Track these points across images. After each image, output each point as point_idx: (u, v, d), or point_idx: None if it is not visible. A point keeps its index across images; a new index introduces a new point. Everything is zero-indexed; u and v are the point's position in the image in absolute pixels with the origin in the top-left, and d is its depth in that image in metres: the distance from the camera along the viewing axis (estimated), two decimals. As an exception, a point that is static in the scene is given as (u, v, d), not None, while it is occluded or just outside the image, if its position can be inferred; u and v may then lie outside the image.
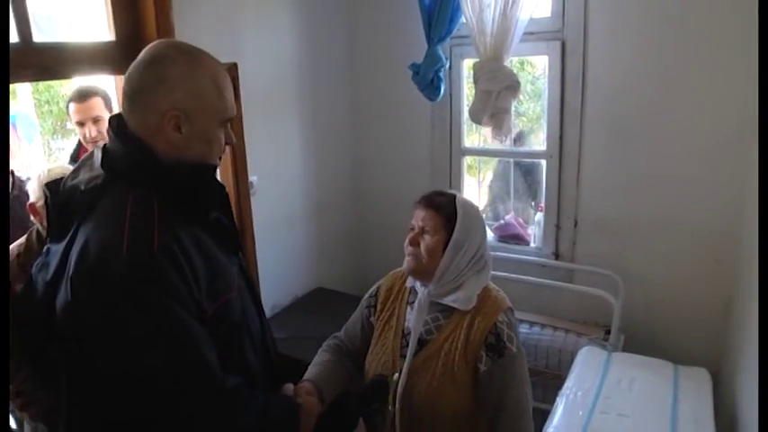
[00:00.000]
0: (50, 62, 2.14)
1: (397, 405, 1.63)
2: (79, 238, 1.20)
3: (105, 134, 2.36)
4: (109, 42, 2.34)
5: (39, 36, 2.12)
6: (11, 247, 1.90)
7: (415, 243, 1.64)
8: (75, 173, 1.32)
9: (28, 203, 2.00)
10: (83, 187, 1.27)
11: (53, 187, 1.32)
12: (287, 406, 1.40)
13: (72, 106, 2.63)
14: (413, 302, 1.70)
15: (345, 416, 1.51)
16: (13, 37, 2.04)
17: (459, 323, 1.62)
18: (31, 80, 2.17)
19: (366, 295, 1.87)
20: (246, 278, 1.48)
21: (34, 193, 1.98)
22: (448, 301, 1.63)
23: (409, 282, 1.74)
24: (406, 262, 1.66)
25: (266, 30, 2.91)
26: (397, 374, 1.64)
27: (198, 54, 1.29)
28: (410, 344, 1.64)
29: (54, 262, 1.24)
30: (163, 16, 2.37)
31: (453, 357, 1.59)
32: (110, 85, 2.76)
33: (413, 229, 1.66)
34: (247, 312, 1.41)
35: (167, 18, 2.38)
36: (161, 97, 1.22)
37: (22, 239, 1.99)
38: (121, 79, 2.44)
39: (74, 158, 2.83)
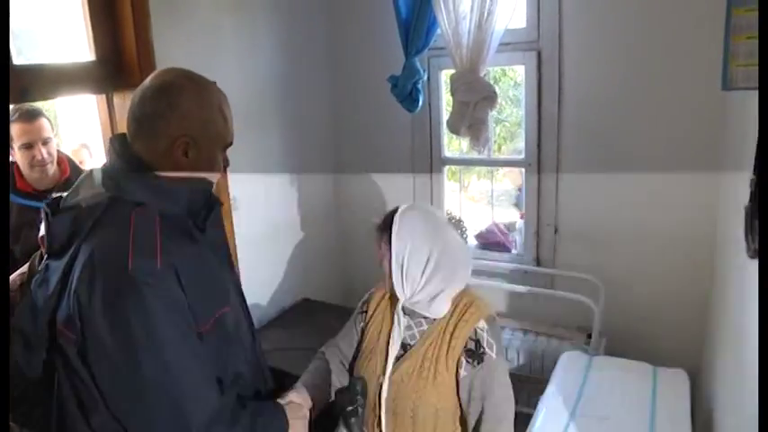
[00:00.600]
0: (31, 84, 2.14)
1: (382, 408, 1.68)
2: (82, 254, 1.24)
3: (54, 156, 2.42)
4: (89, 62, 2.35)
5: (18, 59, 2.14)
6: (12, 276, 1.78)
7: (381, 263, 1.71)
8: (74, 191, 1.37)
9: (39, 236, 1.85)
10: (84, 205, 1.32)
11: (53, 205, 1.37)
12: (271, 408, 1.46)
13: (17, 127, 2.39)
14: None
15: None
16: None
17: (442, 329, 1.67)
18: (12, 103, 2.19)
19: (360, 302, 1.91)
20: (240, 292, 1.54)
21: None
22: (420, 309, 1.67)
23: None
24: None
25: (245, 45, 2.94)
26: (381, 379, 1.68)
27: (206, 83, 1.37)
28: (390, 349, 1.69)
29: (54, 278, 1.28)
30: (142, 36, 2.40)
31: (435, 363, 1.64)
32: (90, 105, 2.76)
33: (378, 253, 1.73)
34: (240, 326, 1.45)
35: (146, 37, 2.40)
36: (173, 124, 1.29)
37: (24, 268, 1.85)
38: (103, 99, 2.49)
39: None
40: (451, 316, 1.68)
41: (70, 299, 1.21)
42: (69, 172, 2.53)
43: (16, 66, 2.11)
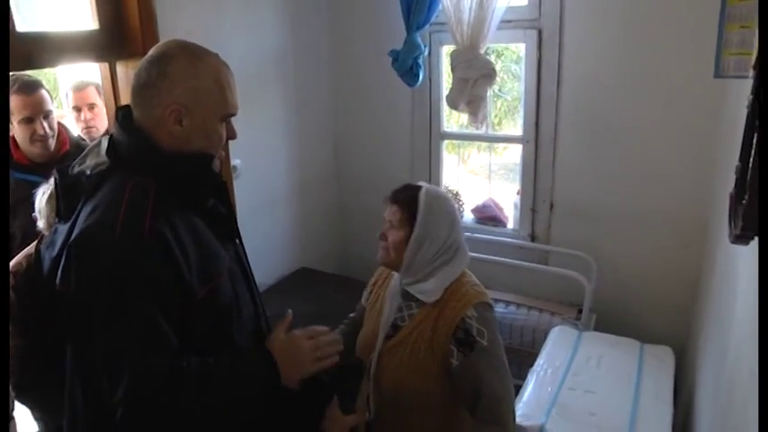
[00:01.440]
0: (35, 51, 2.16)
1: (370, 384, 1.72)
2: (81, 218, 1.29)
3: (55, 130, 2.41)
4: (92, 31, 2.36)
5: (22, 26, 2.15)
6: (18, 258, 1.68)
7: (383, 237, 1.70)
8: (82, 159, 1.41)
9: (34, 213, 1.71)
10: (88, 172, 1.37)
11: (63, 171, 1.41)
12: (256, 359, 1.40)
13: (17, 99, 2.33)
14: None
15: (319, 392, 1.56)
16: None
17: (429, 314, 1.66)
18: (16, 70, 2.20)
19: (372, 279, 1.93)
20: (242, 263, 1.55)
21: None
22: (415, 291, 1.67)
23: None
24: (378, 254, 1.73)
25: (249, 16, 2.94)
26: (373, 355, 1.72)
27: (201, 53, 1.37)
28: (381, 327, 1.72)
29: (60, 239, 1.33)
30: (145, 5, 2.41)
31: (420, 348, 1.64)
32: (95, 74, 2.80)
33: (384, 223, 1.72)
34: (240, 296, 1.48)
35: (150, 6, 2.42)
36: (164, 92, 1.31)
37: (30, 248, 1.74)
38: (106, 67, 2.51)
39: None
40: (441, 301, 1.66)
41: (63, 256, 1.26)
42: (69, 145, 2.48)
43: (20, 33, 2.12)
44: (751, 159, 1.12)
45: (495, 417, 1.55)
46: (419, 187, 1.70)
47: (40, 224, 1.67)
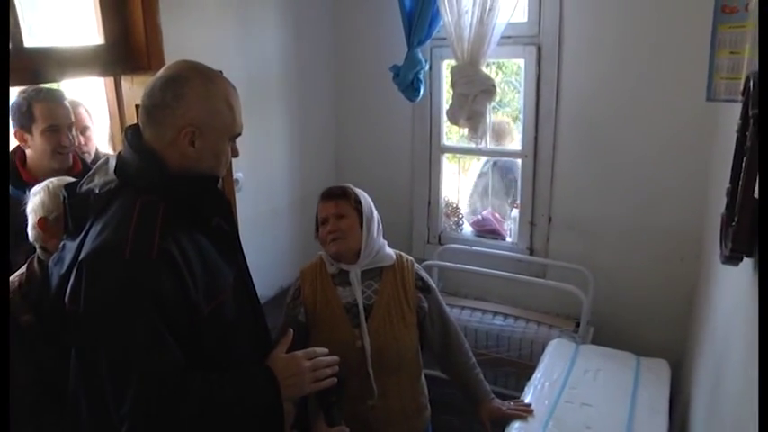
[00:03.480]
0: (42, 66, 2.19)
1: (369, 367, 1.91)
2: (90, 236, 1.32)
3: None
4: (98, 46, 2.40)
5: (29, 41, 2.19)
6: (11, 278, 1.69)
7: (335, 229, 1.95)
8: (90, 177, 1.44)
9: (38, 218, 1.69)
10: (97, 191, 1.39)
11: (71, 189, 1.45)
12: (245, 374, 1.43)
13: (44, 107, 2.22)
14: (340, 283, 2.00)
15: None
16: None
17: (392, 280, 2.01)
18: (22, 84, 2.23)
19: (288, 299, 2.09)
20: (244, 279, 1.58)
21: (44, 206, 1.70)
22: (377, 264, 2.01)
23: (332, 268, 2.01)
24: (332, 246, 1.97)
25: (252, 30, 2.98)
26: (359, 342, 1.93)
27: (213, 75, 1.41)
28: (360, 313, 1.95)
29: (68, 257, 1.36)
30: (150, 20, 2.44)
31: (401, 308, 1.99)
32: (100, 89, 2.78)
33: (325, 220, 1.97)
34: (243, 312, 1.51)
35: (155, 21, 2.45)
36: (179, 114, 1.34)
37: (23, 269, 1.76)
38: (111, 81, 2.54)
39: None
40: (395, 265, 2.03)
41: (74, 275, 1.28)
42: (81, 167, 2.33)
43: (27, 48, 2.16)
44: (740, 182, 1.16)
45: (462, 337, 2.14)
46: (344, 185, 2.06)
47: (30, 235, 1.69)
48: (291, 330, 1.60)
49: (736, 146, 1.29)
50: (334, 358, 1.56)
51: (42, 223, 1.66)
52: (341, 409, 1.69)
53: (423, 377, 2.17)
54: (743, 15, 1.33)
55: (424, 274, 2.11)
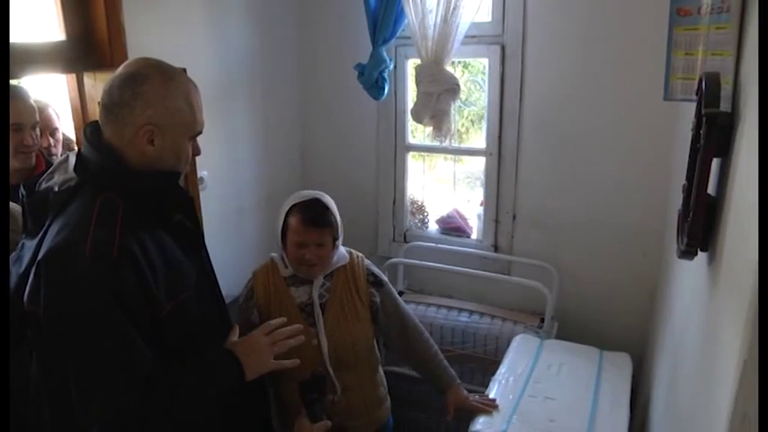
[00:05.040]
0: (-1, 62, 2.17)
1: (327, 364, 1.95)
2: (49, 235, 1.31)
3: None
4: (60, 42, 2.35)
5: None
6: None
7: (313, 257, 1.95)
8: (50, 175, 1.43)
9: None
10: (56, 188, 1.38)
11: (30, 187, 1.42)
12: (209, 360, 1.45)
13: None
14: (293, 284, 2.05)
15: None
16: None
17: (343, 278, 2.06)
18: (8, 69, 2.17)
19: (241, 301, 2.13)
20: (208, 276, 1.59)
21: None
22: (333, 267, 2.05)
23: (286, 272, 2.05)
24: (306, 269, 1.99)
25: (216, 28, 2.96)
26: (315, 340, 1.97)
27: (173, 73, 1.40)
28: (315, 313, 2.00)
29: (27, 256, 1.35)
30: (113, 16, 2.40)
31: (354, 304, 2.04)
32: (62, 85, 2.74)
33: (303, 245, 1.95)
34: (206, 309, 1.51)
35: (118, 17, 2.41)
36: (137, 112, 1.34)
37: None
38: (72, 78, 2.50)
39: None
40: (347, 265, 2.08)
41: (32, 274, 1.27)
42: (45, 166, 2.26)
43: (-15, 43, 2.12)
44: (695, 179, 1.20)
45: (422, 328, 2.20)
46: (323, 202, 2.04)
47: None
48: (236, 325, 1.63)
49: (692, 143, 1.33)
50: (295, 327, 1.61)
51: None
52: (323, 404, 1.73)
53: (380, 369, 2.25)
54: (696, 18, 1.37)
55: (375, 269, 2.17)
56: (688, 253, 1.23)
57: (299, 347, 1.73)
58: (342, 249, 2.11)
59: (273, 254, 2.16)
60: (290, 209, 2.03)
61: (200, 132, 1.48)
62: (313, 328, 1.98)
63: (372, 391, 2.17)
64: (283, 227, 2.05)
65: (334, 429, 1.93)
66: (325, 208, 2.01)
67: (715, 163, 1.18)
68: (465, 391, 2.17)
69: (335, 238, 2.02)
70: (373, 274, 2.13)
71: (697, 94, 1.29)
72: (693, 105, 1.38)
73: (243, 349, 1.47)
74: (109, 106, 1.36)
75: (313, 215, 1.97)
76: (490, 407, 2.12)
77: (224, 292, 3.13)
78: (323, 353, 1.97)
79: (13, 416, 1.44)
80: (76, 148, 2.62)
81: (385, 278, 2.18)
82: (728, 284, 1.08)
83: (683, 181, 1.40)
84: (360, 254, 2.17)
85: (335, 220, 2.02)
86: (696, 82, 1.34)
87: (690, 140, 1.36)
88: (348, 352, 2.02)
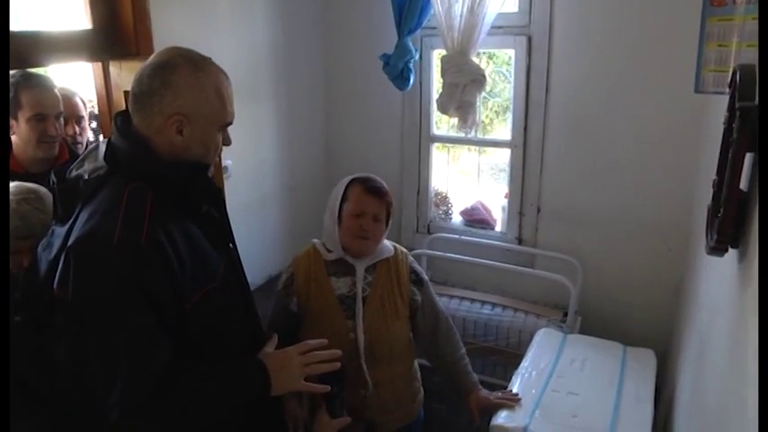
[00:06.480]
0: (28, 51, 2.16)
1: (362, 359, 1.91)
2: (78, 222, 1.31)
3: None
4: (86, 30, 2.37)
5: (15, 25, 2.16)
6: None
7: (370, 229, 1.91)
8: (80, 163, 1.43)
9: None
10: (86, 176, 1.39)
11: (60, 174, 1.43)
12: (237, 367, 1.44)
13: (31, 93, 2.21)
14: (334, 274, 1.96)
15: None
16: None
17: (386, 272, 2.01)
18: (8, 69, 2.20)
19: (280, 287, 2.05)
20: (235, 268, 1.58)
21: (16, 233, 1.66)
22: (379, 258, 2.00)
23: (331, 255, 1.98)
24: (358, 243, 1.93)
25: (241, 18, 2.97)
26: (352, 334, 1.93)
27: (204, 63, 1.39)
28: (357, 307, 1.95)
29: (57, 243, 1.35)
30: (139, 5, 2.41)
31: (394, 301, 1.99)
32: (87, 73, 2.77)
33: (362, 214, 1.90)
34: (233, 301, 1.51)
35: (143, 7, 2.42)
36: (166, 101, 1.33)
37: None
38: (98, 67, 2.52)
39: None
40: (391, 258, 2.03)
41: (62, 260, 1.28)
42: (69, 156, 2.31)
43: (14, 32, 2.13)
44: (726, 174, 1.17)
45: (453, 329, 2.14)
46: (379, 179, 2.02)
47: None
48: (276, 335, 1.60)
49: (723, 138, 1.30)
50: (333, 352, 1.55)
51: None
52: (342, 399, 1.70)
53: (415, 364, 2.19)
54: (730, 8, 1.33)
55: (418, 267, 2.11)
56: (718, 249, 1.21)
57: (334, 340, 1.73)
58: (386, 242, 2.06)
59: (315, 240, 2.09)
60: (350, 182, 1.99)
61: (231, 123, 1.47)
62: (351, 321, 1.94)
63: (405, 386, 2.13)
64: (341, 202, 1.99)
65: (365, 424, 1.94)
66: (381, 181, 2.02)
67: (748, 158, 1.15)
68: (485, 392, 2.12)
69: (389, 216, 1.99)
70: (416, 272, 2.08)
71: (730, 87, 1.25)
72: (724, 99, 1.35)
73: (274, 364, 1.45)
74: (138, 95, 1.36)
75: (374, 185, 1.98)
76: (512, 401, 2.09)
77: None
78: (359, 347, 1.93)
79: (41, 400, 1.46)
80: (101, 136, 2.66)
81: (426, 277, 2.12)
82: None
83: (713, 176, 1.37)
84: (404, 249, 2.11)
85: (388, 195, 1.99)
86: (729, 74, 1.30)
87: (721, 134, 1.33)
88: (384, 348, 1.98)
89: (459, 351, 2.14)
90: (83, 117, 2.62)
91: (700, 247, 2.21)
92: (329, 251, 2.00)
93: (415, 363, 2.19)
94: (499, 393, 2.13)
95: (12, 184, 1.73)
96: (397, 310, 1.99)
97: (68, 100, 2.48)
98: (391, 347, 2.00)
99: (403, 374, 2.10)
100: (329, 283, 1.98)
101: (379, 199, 1.94)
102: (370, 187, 1.96)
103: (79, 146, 2.53)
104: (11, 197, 1.67)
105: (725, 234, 1.17)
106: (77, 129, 2.56)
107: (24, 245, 1.62)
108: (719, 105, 1.87)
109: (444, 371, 2.16)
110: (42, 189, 1.71)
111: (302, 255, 2.06)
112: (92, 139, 2.68)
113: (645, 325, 2.96)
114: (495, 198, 3.64)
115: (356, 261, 1.97)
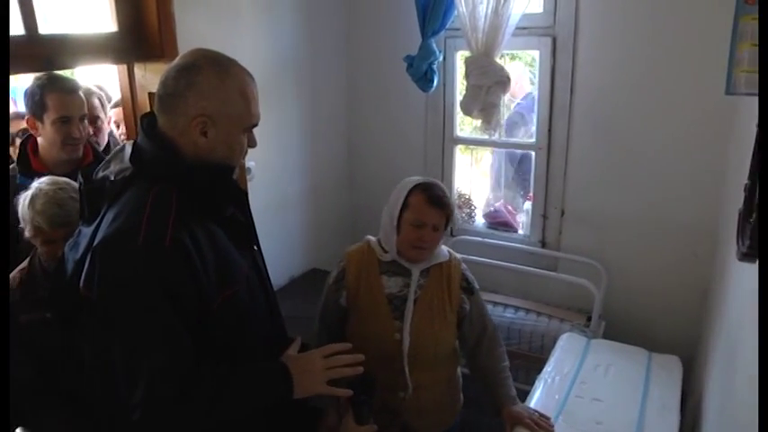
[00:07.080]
0: (55, 53, 2.20)
1: (404, 361, 1.88)
2: (104, 223, 1.32)
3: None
4: (112, 33, 2.41)
5: (44, 28, 2.19)
6: (12, 274, 1.75)
7: (429, 240, 1.87)
8: (106, 164, 1.43)
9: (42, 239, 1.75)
10: (112, 177, 1.39)
11: (87, 175, 1.44)
12: (260, 368, 1.44)
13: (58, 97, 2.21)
14: (386, 272, 1.95)
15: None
16: (20, 29, 2.10)
17: (439, 278, 1.96)
18: (36, 71, 2.22)
19: (331, 281, 2.02)
20: (259, 270, 1.58)
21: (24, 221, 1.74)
22: (432, 262, 1.95)
23: (386, 257, 1.94)
24: (415, 253, 1.89)
25: (265, 19, 2.98)
26: (398, 335, 1.90)
27: (228, 64, 1.39)
28: (407, 308, 1.91)
29: (84, 242, 1.36)
30: (164, 8, 2.44)
31: (443, 306, 1.94)
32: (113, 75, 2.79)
33: (423, 225, 1.85)
34: (256, 303, 1.51)
35: (168, 9, 2.45)
36: (190, 103, 1.33)
37: (25, 264, 1.82)
38: (124, 69, 2.55)
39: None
40: (444, 264, 1.97)
41: (87, 261, 1.28)
42: (93, 157, 2.32)
43: (41, 35, 2.17)
44: (759, 178, 1.14)
45: (499, 340, 2.07)
46: (442, 186, 1.94)
47: (26, 231, 1.72)
48: (299, 337, 1.59)
49: (756, 141, 1.27)
50: (357, 357, 1.51)
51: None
52: (370, 407, 1.67)
53: (458, 372, 2.14)
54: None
55: (470, 275, 2.05)
56: (750, 255, 1.18)
57: (379, 339, 1.71)
58: (443, 247, 2.01)
59: (370, 237, 2.06)
60: (413, 188, 1.92)
61: (256, 125, 1.47)
62: (398, 322, 1.91)
63: (445, 393, 2.08)
64: (402, 209, 1.92)
65: (400, 427, 1.92)
66: (441, 188, 1.93)
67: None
68: (520, 407, 1.99)
69: (448, 222, 1.92)
70: (467, 279, 2.02)
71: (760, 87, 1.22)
72: (755, 99, 1.31)
73: (297, 367, 1.44)
74: (163, 97, 1.36)
75: (437, 195, 1.89)
76: (543, 429, 1.95)
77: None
78: (403, 348, 1.90)
79: (69, 397, 1.47)
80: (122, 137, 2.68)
81: (477, 286, 2.05)
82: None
83: (744, 179, 1.34)
84: (459, 256, 2.06)
85: (449, 204, 1.91)
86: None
87: (753, 137, 1.30)
88: (428, 353, 1.94)
89: (500, 363, 2.04)
90: (98, 117, 2.62)
91: (729, 252, 2.17)
92: (385, 251, 1.96)
93: (458, 371, 2.14)
94: (535, 414, 2.00)
95: (44, 178, 1.78)
96: (445, 317, 1.95)
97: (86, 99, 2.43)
98: (435, 352, 1.96)
99: (444, 381, 2.06)
100: (380, 281, 1.95)
101: (441, 210, 1.87)
102: (432, 197, 1.87)
103: (95, 145, 2.51)
104: (47, 188, 1.72)
105: (758, 240, 1.14)
106: (91, 129, 2.51)
107: (61, 233, 1.67)
108: (750, 107, 1.83)
109: (483, 381, 2.07)
110: (73, 182, 1.73)
111: (355, 250, 2.04)
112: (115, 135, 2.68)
113: (670, 330, 2.91)
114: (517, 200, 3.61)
115: (412, 265, 1.94)
